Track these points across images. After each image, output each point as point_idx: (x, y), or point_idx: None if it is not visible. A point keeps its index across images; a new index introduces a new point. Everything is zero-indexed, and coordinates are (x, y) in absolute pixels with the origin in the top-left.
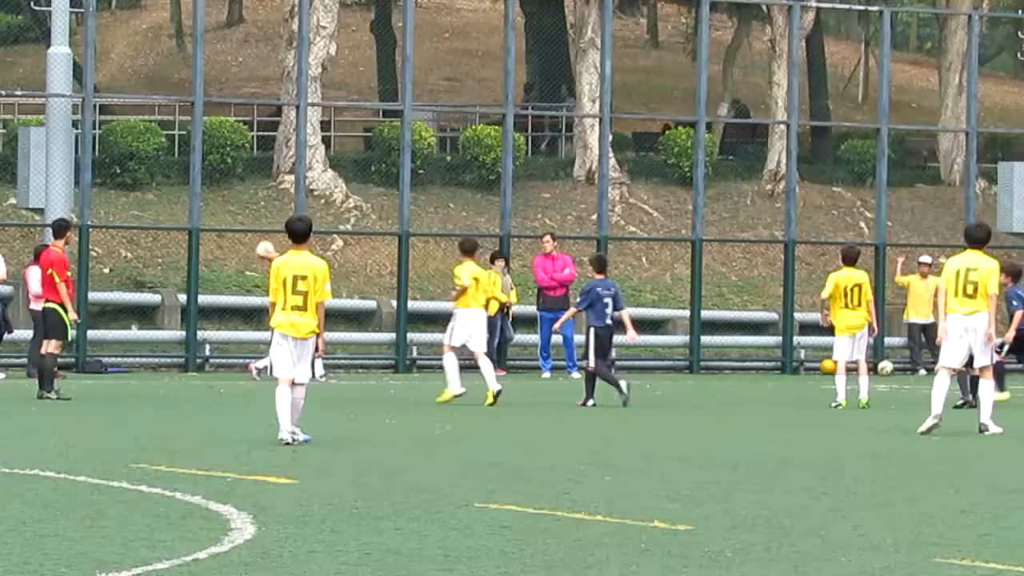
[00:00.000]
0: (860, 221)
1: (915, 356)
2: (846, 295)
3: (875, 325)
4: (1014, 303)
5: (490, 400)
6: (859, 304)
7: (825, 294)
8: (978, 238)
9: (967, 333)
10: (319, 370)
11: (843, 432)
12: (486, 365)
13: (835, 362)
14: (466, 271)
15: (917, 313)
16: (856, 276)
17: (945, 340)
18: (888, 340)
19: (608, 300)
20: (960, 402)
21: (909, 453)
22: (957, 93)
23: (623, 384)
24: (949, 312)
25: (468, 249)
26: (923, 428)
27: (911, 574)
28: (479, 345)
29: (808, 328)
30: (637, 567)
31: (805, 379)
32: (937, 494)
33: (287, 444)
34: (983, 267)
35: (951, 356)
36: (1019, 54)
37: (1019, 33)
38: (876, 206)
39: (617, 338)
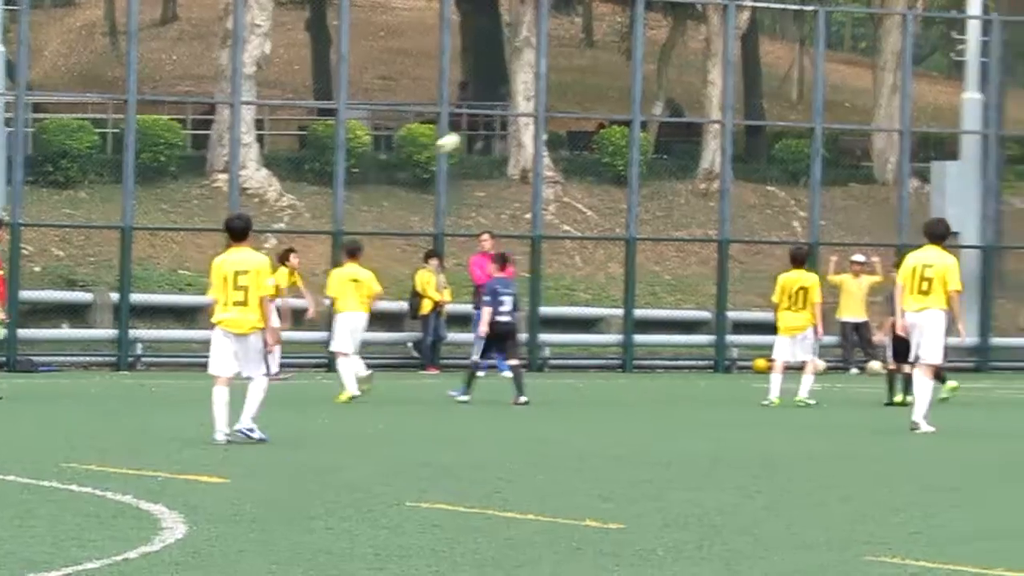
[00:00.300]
0: (793, 220)
1: (847, 355)
2: (790, 297)
3: (819, 328)
4: None
5: (344, 398)
6: (803, 307)
7: (775, 298)
8: (937, 233)
9: (916, 330)
10: (273, 367)
11: (776, 431)
12: (348, 367)
13: (770, 361)
14: (342, 276)
15: (849, 312)
16: (803, 279)
17: (911, 338)
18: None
19: (505, 299)
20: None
21: (843, 452)
22: (891, 93)
23: (465, 396)
24: (905, 309)
25: (351, 251)
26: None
27: (842, 572)
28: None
29: (741, 327)
30: (569, 566)
31: (738, 378)
32: (871, 493)
33: (228, 442)
34: (938, 264)
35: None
36: (952, 54)
37: (952, 33)
38: (810, 205)
39: (555, 337)
